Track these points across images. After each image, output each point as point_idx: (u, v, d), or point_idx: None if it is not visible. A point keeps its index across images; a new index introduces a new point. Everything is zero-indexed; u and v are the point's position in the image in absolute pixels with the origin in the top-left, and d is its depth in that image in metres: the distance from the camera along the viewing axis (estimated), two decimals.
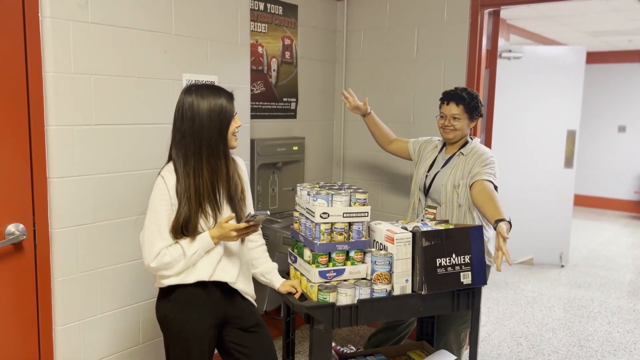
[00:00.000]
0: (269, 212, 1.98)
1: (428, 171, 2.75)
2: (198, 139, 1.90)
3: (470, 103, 2.64)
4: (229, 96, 1.97)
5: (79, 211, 2.20)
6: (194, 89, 1.94)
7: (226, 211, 1.99)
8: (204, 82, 2.64)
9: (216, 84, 2.60)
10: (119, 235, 2.35)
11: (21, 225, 2.05)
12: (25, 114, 2.03)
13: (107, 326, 2.36)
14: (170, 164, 1.95)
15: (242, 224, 1.90)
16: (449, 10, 3.29)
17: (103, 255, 2.31)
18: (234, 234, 1.90)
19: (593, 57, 8.11)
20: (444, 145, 2.79)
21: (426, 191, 2.73)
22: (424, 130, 3.43)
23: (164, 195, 1.89)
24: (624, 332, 3.93)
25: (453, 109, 2.64)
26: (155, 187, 1.93)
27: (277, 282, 2.21)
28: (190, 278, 1.93)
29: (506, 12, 5.29)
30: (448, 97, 2.68)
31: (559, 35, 7.03)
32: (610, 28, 6.40)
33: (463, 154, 2.68)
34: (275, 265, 2.24)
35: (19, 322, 2.10)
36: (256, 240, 2.21)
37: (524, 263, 5.60)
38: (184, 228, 1.89)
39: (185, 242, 1.90)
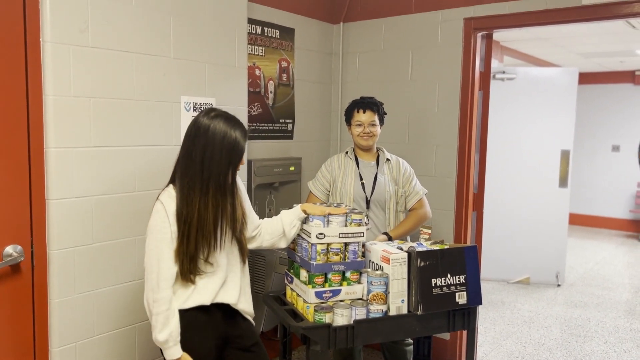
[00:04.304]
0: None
1: (362, 180, 2.82)
2: (207, 169, 1.86)
3: (381, 110, 2.84)
4: (244, 132, 1.93)
5: (76, 232, 2.21)
6: (213, 115, 1.91)
7: (230, 248, 1.99)
8: (206, 104, 2.67)
9: (214, 105, 2.65)
10: (117, 256, 2.36)
11: (19, 247, 2.06)
12: (25, 136, 2.06)
13: (104, 348, 2.35)
14: (170, 188, 1.93)
15: None
16: (442, 33, 3.35)
17: (100, 276, 2.31)
18: None
19: (586, 78, 8.22)
20: (355, 155, 2.89)
21: (367, 200, 2.80)
22: (418, 151, 3.48)
23: (164, 222, 1.87)
24: (621, 352, 3.92)
25: (371, 116, 2.79)
26: (155, 213, 1.90)
27: (293, 212, 2.21)
28: (190, 302, 1.92)
29: (499, 35, 5.38)
30: (363, 105, 2.81)
31: (552, 56, 7.14)
32: (603, 50, 6.51)
33: (390, 161, 2.87)
34: (281, 214, 2.24)
35: (15, 344, 2.10)
36: (258, 232, 2.19)
37: (521, 282, 5.60)
38: (189, 265, 1.88)
39: (174, 321, 1.87)
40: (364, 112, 2.78)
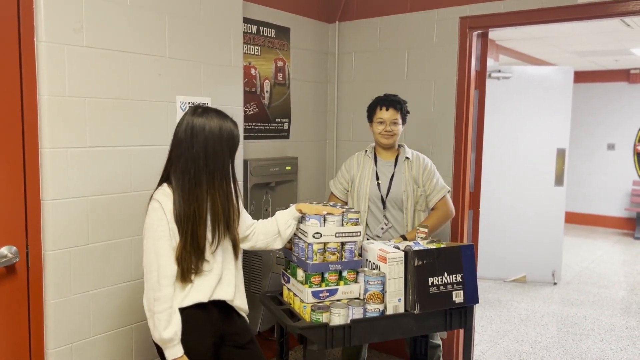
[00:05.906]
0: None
1: (378, 180, 2.79)
2: (212, 162, 1.90)
3: (404, 108, 2.79)
4: (234, 122, 2.00)
5: (72, 233, 2.20)
6: (201, 111, 1.94)
7: (224, 245, 1.99)
8: (201, 103, 2.67)
9: (209, 105, 2.64)
10: (112, 257, 2.35)
11: (14, 248, 2.05)
12: (20, 136, 2.05)
13: (100, 349, 2.35)
14: (165, 187, 1.93)
15: None
16: (438, 32, 3.36)
17: (96, 277, 2.30)
18: None
19: (581, 77, 8.24)
20: (374, 153, 2.87)
21: (383, 200, 2.77)
22: (415, 150, 3.47)
23: (161, 220, 1.87)
24: (617, 350, 3.93)
25: (393, 114, 2.74)
26: (152, 212, 1.90)
27: (288, 212, 2.23)
28: (187, 301, 1.92)
29: (495, 34, 5.38)
30: (386, 103, 2.75)
31: (548, 55, 7.15)
32: (598, 48, 6.53)
33: (409, 159, 2.82)
34: (276, 215, 2.26)
35: (10, 345, 2.09)
36: (252, 231, 2.19)
37: (517, 281, 5.61)
38: (192, 261, 1.89)
39: (176, 318, 1.87)
40: (387, 109, 2.73)
